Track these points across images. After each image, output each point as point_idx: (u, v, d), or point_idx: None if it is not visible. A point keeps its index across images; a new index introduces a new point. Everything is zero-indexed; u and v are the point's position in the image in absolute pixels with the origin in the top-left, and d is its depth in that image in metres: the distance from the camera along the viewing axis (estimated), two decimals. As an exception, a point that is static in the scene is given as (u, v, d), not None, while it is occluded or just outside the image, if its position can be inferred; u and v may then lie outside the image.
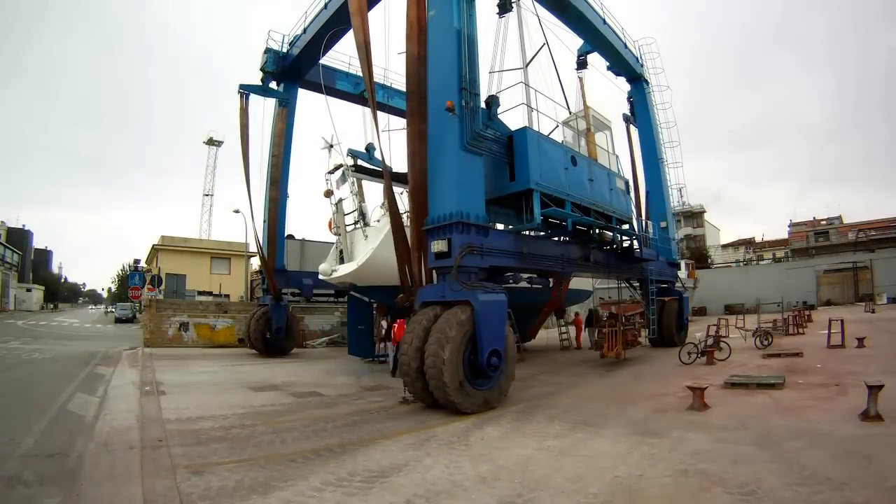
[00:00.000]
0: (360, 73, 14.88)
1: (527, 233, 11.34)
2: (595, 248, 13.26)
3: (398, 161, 17.93)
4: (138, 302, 32.45)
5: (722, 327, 16.57)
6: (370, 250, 12.39)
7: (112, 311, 53.12)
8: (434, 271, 9.00)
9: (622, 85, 19.64)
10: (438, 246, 8.51)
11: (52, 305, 79.79)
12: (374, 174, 14.65)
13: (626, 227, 14.09)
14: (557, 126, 12.61)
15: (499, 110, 10.20)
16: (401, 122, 13.84)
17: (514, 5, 13.96)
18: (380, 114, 10.17)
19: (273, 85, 18.24)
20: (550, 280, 17.70)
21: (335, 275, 13.65)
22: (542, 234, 11.95)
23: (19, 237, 71.33)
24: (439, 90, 8.97)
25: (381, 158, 10.33)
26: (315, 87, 18.02)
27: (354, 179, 13.89)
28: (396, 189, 10.83)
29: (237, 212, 28.16)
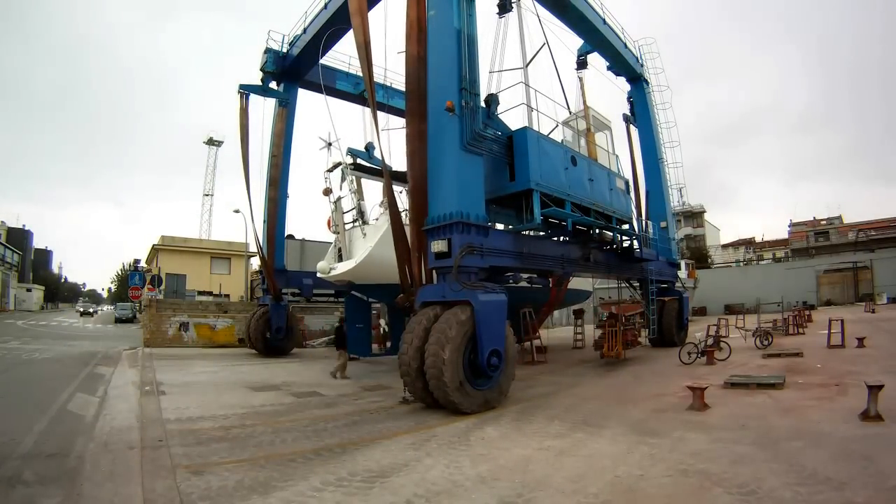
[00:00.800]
0: (360, 73, 14.88)
1: (527, 233, 11.33)
2: (595, 248, 13.25)
3: (398, 161, 17.93)
4: (138, 302, 32.45)
5: (722, 327, 16.58)
6: (368, 248, 12.39)
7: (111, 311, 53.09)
8: (434, 271, 8.99)
9: (622, 85, 19.66)
10: (438, 246, 8.51)
11: (82, 308, 76.02)
12: (372, 172, 14.65)
13: (626, 227, 14.09)
14: (557, 126, 12.61)
15: (499, 110, 10.19)
16: (401, 122, 13.82)
17: (514, 5, 13.95)
18: (380, 113, 10.17)
19: (273, 85, 18.25)
20: (550, 280, 17.69)
21: (333, 273, 13.65)
22: (542, 234, 11.94)
23: (19, 237, 71.23)
24: (439, 90, 8.97)
25: (381, 158, 10.34)
26: (315, 87, 18.03)
27: (353, 178, 13.90)
28: (396, 188, 10.83)
29: (237, 212, 28.23)
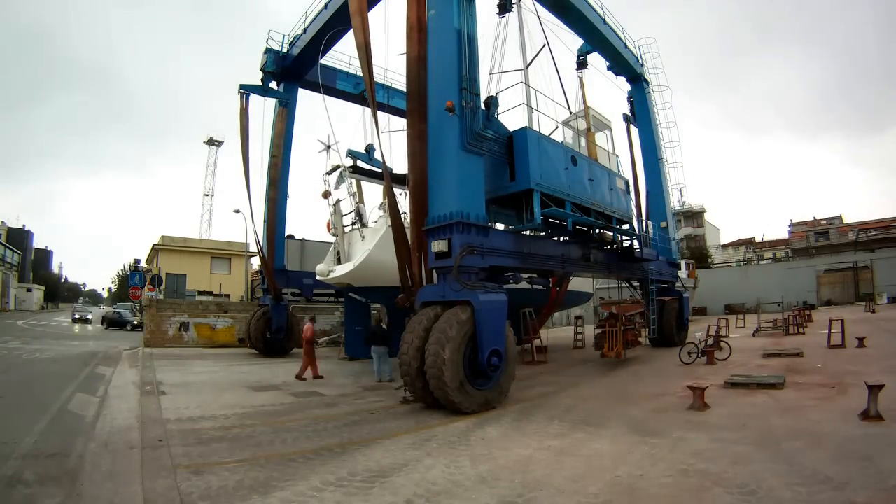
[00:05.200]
0: (360, 73, 14.87)
1: (527, 233, 11.34)
2: (595, 248, 13.25)
3: (398, 161, 17.94)
4: (138, 302, 32.45)
5: (722, 327, 16.57)
6: (366, 251, 12.41)
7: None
8: (434, 271, 8.99)
9: (622, 85, 19.66)
10: (439, 246, 8.51)
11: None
12: (371, 175, 14.65)
13: (626, 227, 14.08)
14: (557, 126, 12.61)
15: (499, 110, 10.19)
16: (401, 122, 13.84)
17: (514, 5, 13.97)
18: (380, 114, 10.17)
19: (273, 85, 18.23)
20: (551, 280, 17.67)
21: (332, 275, 13.66)
22: (542, 234, 11.94)
23: (19, 237, 71.27)
24: (439, 90, 8.97)
25: (381, 159, 10.34)
26: (315, 87, 17.95)
27: (352, 180, 13.91)
28: (396, 190, 10.84)
29: (237, 212, 28.29)
